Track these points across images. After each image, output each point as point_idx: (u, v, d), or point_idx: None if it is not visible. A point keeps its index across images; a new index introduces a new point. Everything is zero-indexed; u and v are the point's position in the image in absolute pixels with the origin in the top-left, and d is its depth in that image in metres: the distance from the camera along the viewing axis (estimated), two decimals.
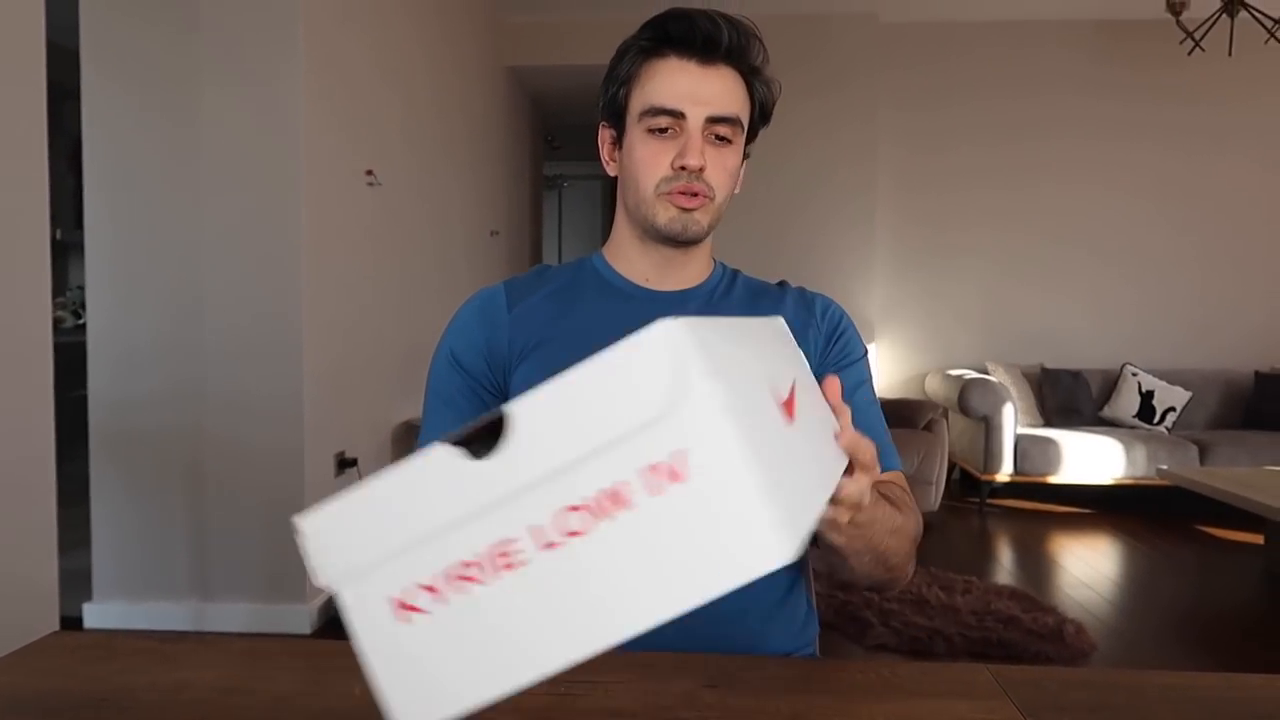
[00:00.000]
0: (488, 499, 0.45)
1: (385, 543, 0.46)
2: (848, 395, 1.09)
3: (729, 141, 1.01)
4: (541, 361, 1.02)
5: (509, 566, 0.45)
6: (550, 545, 0.44)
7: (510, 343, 1.04)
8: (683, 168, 0.98)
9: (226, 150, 2.83)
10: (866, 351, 1.14)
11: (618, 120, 1.05)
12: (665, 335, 0.42)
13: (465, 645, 0.46)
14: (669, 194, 1.00)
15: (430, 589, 0.46)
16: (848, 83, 5.52)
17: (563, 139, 7.68)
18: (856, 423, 1.09)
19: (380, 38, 3.52)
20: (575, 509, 0.44)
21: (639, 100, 1.01)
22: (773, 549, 0.41)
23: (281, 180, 2.85)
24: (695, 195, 1.00)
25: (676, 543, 0.42)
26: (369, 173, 3.35)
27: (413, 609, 0.46)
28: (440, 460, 0.45)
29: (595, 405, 0.44)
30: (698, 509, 0.42)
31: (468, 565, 0.45)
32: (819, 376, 1.08)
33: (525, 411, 0.44)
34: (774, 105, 1.07)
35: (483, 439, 0.45)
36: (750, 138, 1.08)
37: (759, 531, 0.41)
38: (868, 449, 0.70)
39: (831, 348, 1.11)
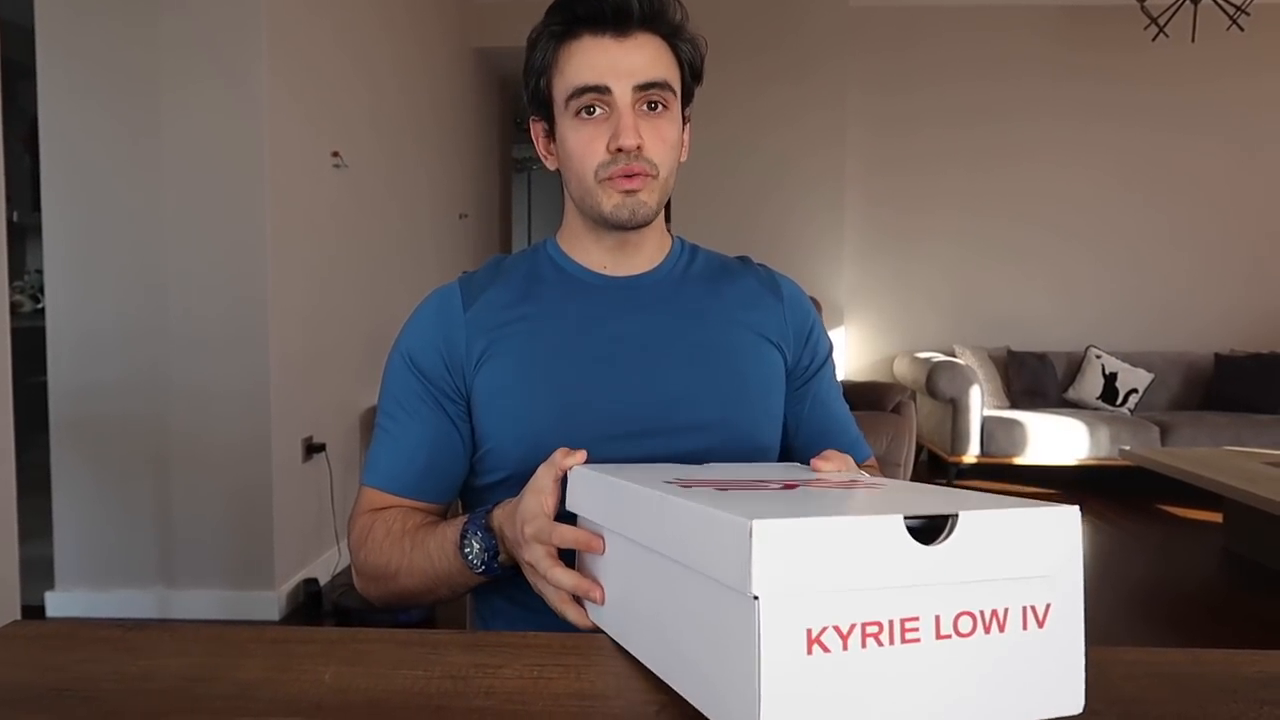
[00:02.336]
0: (920, 579, 0.54)
1: (823, 577, 0.52)
2: (821, 400, 1.13)
3: (664, 108, 0.97)
4: (505, 362, 1.00)
5: (906, 640, 0.54)
6: (942, 636, 0.55)
7: (469, 345, 1.01)
8: (619, 149, 0.94)
9: (188, 131, 2.79)
10: (832, 347, 1.16)
11: (545, 111, 1.01)
12: (1070, 517, 0.58)
13: (846, 693, 0.52)
14: (610, 179, 0.96)
15: (841, 633, 0.52)
16: (817, 66, 5.52)
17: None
18: (831, 425, 1.12)
19: (345, 18, 3.47)
20: (970, 614, 0.55)
21: (561, 86, 0.97)
22: (1077, 701, 0.58)
23: (245, 161, 2.80)
24: (636, 176, 0.96)
25: (1019, 670, 0.56)
26: (335, 154, 3.31)
27: (822, 646, 0.52)
28: (892, 529, 0.53)
29: (1017, 543, 0.57)
30: (1040, 649, 0.57)
31: (878, 627, 0.53)
32: (792, 379, 1.08)
33: (970, 522, 0.55)
34: (703, 62, 1.03)
35: (929, 524, 0.54)
36: (686, 100, 1.04)
37: (1077, 684, 0.59)
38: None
39: (804, 349, 1.11)
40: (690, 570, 0.59)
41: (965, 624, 0.55)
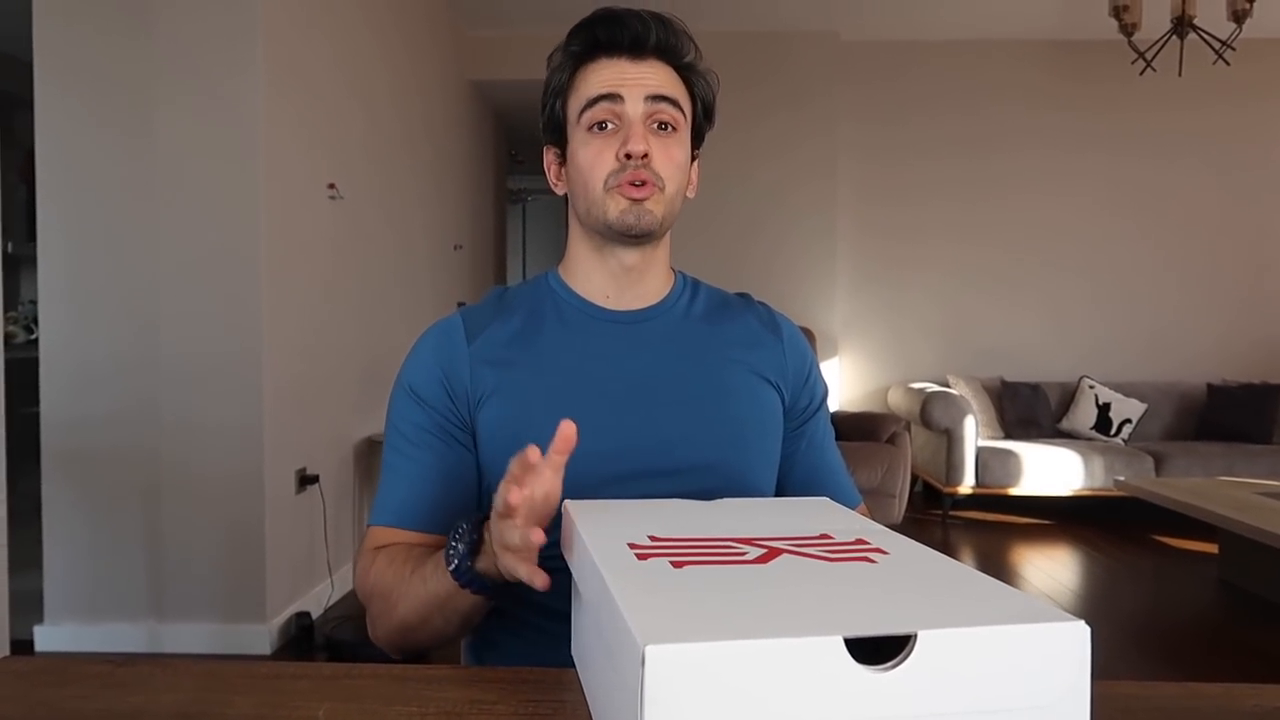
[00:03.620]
0: (862, 711, 0.43)
1: (733, 713, 0.42)
2: (816, 444, 1.12)
3: (673, 130, 1.00)
4: (507, 400, 0.99)
5: None
6: None
7: (473, 378, 1.00)
8: (628, 155, 0.97)
9: (184, 162, 2.80)
10: (827, 390, 1.16)
11: (559, 135, 1.04)
12: (1078, 636, 0.46)
13: None
14: (618, 186, 0.98)
15: None
16: (809, 99, 5.58)
17: (526, 153, 7.67)
18: (823, 469, 1.12)
19: (341, 49, 3.50)
20: None
21: (575, 103, 1.00)
22: None
23: (240, 192, 2.81)
24: (644, 185, 0.97)
25: None
26: (331, 186, 3.32)
27: None
28: (826, 651, 0.43)
29: (1001, 668, 0.45)
30: None
31: None
32: (789, 418, 1.08)
33: (934, 644, 0.44)
34: (714, 102, 1.06)
35: (874, 647, 0.44)
36: (697, 139, 1.06)
37: None
38: None
39: (803, 390, 1.11)
40: (614, 666, 0.51)
41: None
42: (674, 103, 0.99)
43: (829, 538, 0.68)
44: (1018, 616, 0.47)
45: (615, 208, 0.98)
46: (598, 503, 0.79)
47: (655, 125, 0.99)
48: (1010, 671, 0.45)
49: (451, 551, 0.84)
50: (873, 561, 0.61)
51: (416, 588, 0.90)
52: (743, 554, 0.62)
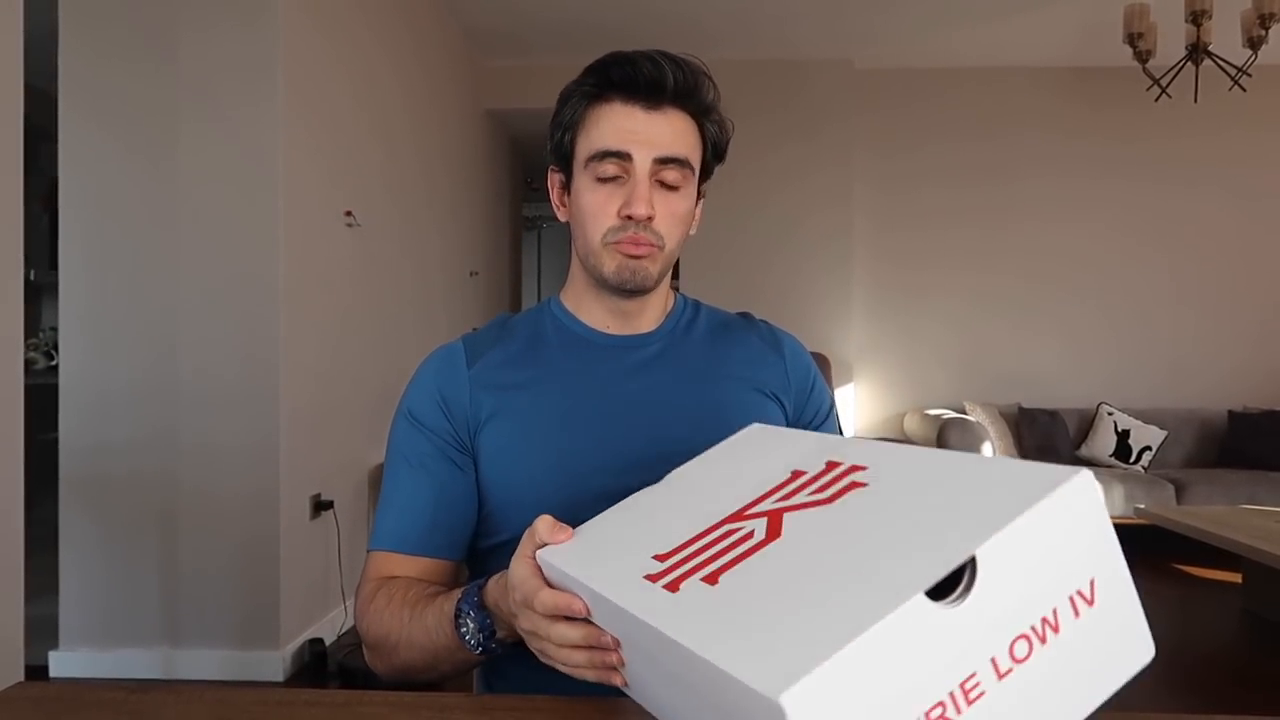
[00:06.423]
0: (962, 642, 0.49)
1: (867, 700, 0.46)
2: None
3: (676, 188, 0.99)
4: (508, 424, 1.00)
5: (972, 700, 0.49)
6: (1005, 673, 0.50)
7: (473, 401, 1.01)
8: (629, 217, 0.96)
9: (204, 190, 2.83)
10: (834, 401, 1.16)
11: (565, 165, 1.03)
12: (1088, 485, 0.53)
13: None
14: (616, 243, 0.98)
15: None
16: (823, 127, 5.60)
17: (541, 180, 7.71)
18: None
19: (360, 79, 3.54)
20: (1024, 637, 0.51)
21: (584, 145, 0.99)
22: (1148, 649, 0.57)
23: (259, 221, 2.84)
24: (642, 245, 0.98)
25: (1087, 653, 0.53)
26: (348, 213, 3.35)
27: None
28: (917, 613, 0.47)
29: (1043, 545, 0.52)
30: (1098, 623, 0.54)
31: (941, 706, 0.48)
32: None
33: (991, 555, 0.49)
34: (727, 143, 1.05)
35: (947, 586, 0.49)
36: (704, 176, 1.06)
37: (1143, 634, 0.57)
38: None
39: (807, 403, 1.11)
40: (714, 708, 0.52)
41: (1021, 648, 0.51)
42: (683, 161, 0.98)
43: (802, 474, 0.68)
44: (1037, 491, 0.52)
45: (612, 264, 0.99)
46: (564, 546, 0.73)
47: (660, 184, 0.98)
48: (1049, 545, 0.51)
49: (465, 630, 0.85)
50: (864, 484, 0.63)
51: (420, 637, 0.90)
52: (750, 534, 0.61)
